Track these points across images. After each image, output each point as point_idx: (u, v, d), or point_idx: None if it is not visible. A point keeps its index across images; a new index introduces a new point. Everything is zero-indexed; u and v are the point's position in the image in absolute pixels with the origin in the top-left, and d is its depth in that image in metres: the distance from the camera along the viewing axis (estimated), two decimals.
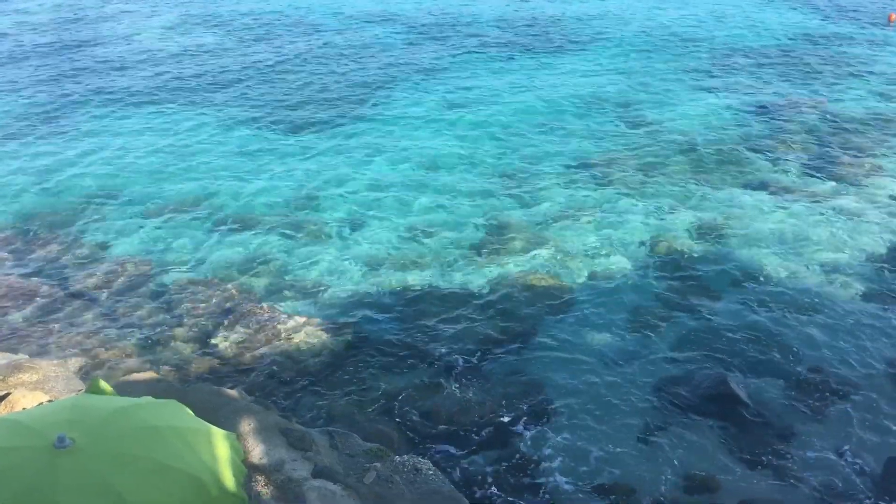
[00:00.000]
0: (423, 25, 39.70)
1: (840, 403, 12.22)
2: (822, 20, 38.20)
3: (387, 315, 15.10)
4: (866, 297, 15.07)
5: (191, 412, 6.46)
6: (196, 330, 14.70)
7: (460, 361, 13.60)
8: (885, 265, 16.16)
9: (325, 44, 36.63)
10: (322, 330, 14.54)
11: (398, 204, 19.96)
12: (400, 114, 26.72)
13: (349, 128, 25.54)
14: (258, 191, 20.91)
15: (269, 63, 33.46)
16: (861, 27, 36.67)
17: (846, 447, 11.32)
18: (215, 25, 40.72)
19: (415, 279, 16.38)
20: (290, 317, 14.95)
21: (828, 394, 12.43)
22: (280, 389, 12.94)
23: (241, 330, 14.48)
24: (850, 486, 10.71)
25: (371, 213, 19.53)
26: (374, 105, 27.73)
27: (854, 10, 39.84)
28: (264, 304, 15.46)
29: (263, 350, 13.96)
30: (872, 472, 10.85)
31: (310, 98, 28.60)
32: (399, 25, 40.06)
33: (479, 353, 13.83)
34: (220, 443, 6.12)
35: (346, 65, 33.07)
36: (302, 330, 14.50)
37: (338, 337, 14.31)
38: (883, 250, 16.70)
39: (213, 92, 29.69)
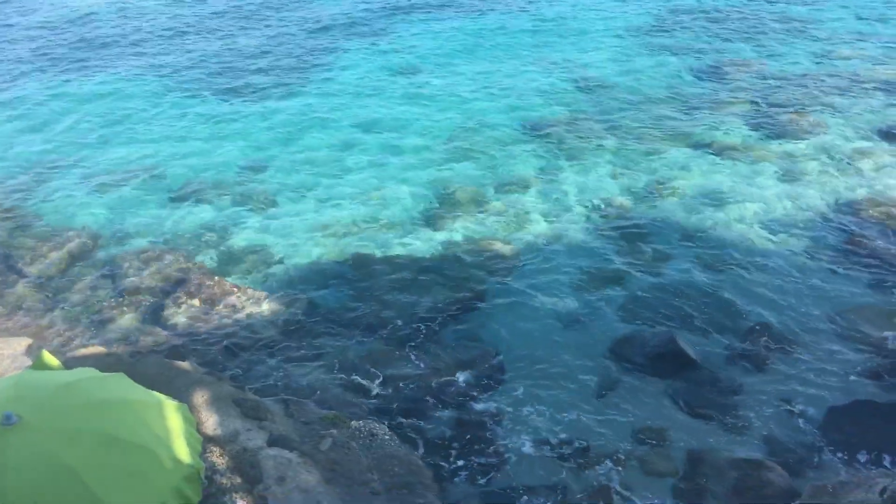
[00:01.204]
0: None
1: (784, 357, 12.59)
2: None
3: (339, 283, 15.05)
4: (807, 252, 15.46)
5: (139, 385, 6.38)
6: (145, 303, 14.49)
7: (413, 327, 13.65)
8: (826, 222, 16.57)
9: (264, 4, 35.84)
10: (274, 300, 14.44)
11: (346, 171, 19.80)
12: (344, 78, 26.40)
13: (294, 93, 25.17)
14: (203, 159, 20.55)
15: (207, 25, 32.68)
16: None
17: (790, 398, 11.68)
18: None
19: (366, 247, 16.32)
20: (241, 288, 14.82)
21: (772, 348, 12.78)
22: (233, 360, 12.85)
23: (192, 302, 14.29)
24: (795, 434, 11.07)
25: (320, 180, 19.35)
26: (318, 69, 27.32)
27: None
28: (215, 276, 15.28)
29: (215, 322, 13.83)
30: (815, 421, 11.22)
31: (252, 62, 28.09)
32: None
33: (431, 319, 13.88)
34: (171, 414, 6.08)
35: (288, 27, 32.47)
36: (254, 300, 14.39)
37: (290, 306, 14.23)
38: (823, 207, 17.10)
39: (146, 56, 28.96)
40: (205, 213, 17.89)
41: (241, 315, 14.02)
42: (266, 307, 14.23)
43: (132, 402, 6.02)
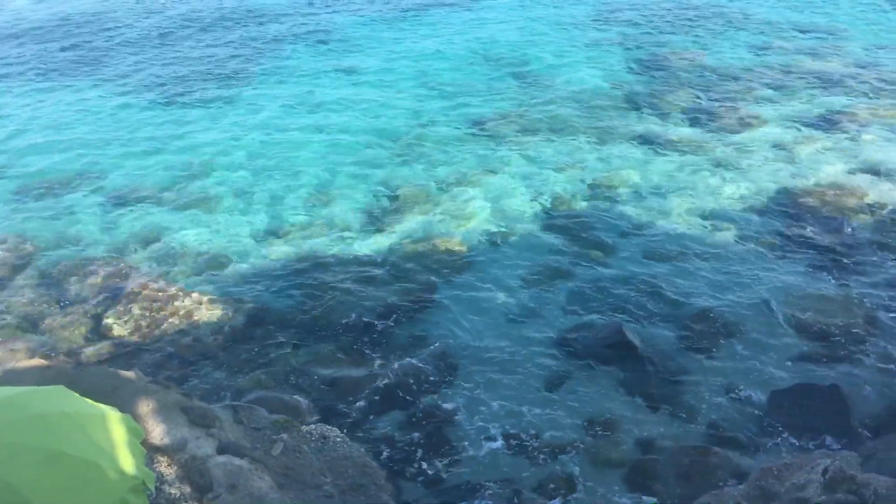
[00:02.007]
0: None
1: (727, 343, 12.87)
2: None
3: (286, 285, 14.90)
4: (747, 241, 15.82)
5: (81, 397, 6.23)
6: (87, 312, 14.14)
7: (364, 328, 13.59)
8: (764, 210, 16.99)
9: (205, 9, 35.32)
10: (221, 304, 14.23)
11: (290, 172, 19.65)
12: (287, 79, 26.18)
13: (236, 95, 24.89)
14: (146, 165, 20.19)
15: (152, 35, 32.08)
16: None
17: (734, 383, 11.94)
18: None
19: (313, 247, 16.21)
20: (186, 293, 14.55)
21: (716, 334, 13.06)
22: (180, 368, 12.63)
23: (136, 309, 14.00)
24: (740, 419, 11.32)
25: (263, 181, 19.18)
26: (262, 70, 27.06)
27: None
28: (159, 282, 14.99)
29: (160, 329, 13.57)
30: (758, 404, 11.49)
31: (198, 69, 27.66)
32: None
33: (382, 319, 13.84)
34: (115, 425, 5.95)
35: (230, 30, 32.10)
36: (200, 306, 14.15)
37: (237, 311, 14.04)
38: (761, 196, 17.52)
39: (85, 63, 28.34)
40: (148, 218, 17.54)
41: (187, 321, 13.78)
42: (213, 312, 14.01)
43: (74, 415, 5.87)
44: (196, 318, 13.87)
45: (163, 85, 25.95)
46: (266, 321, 13.82)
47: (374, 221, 17.23)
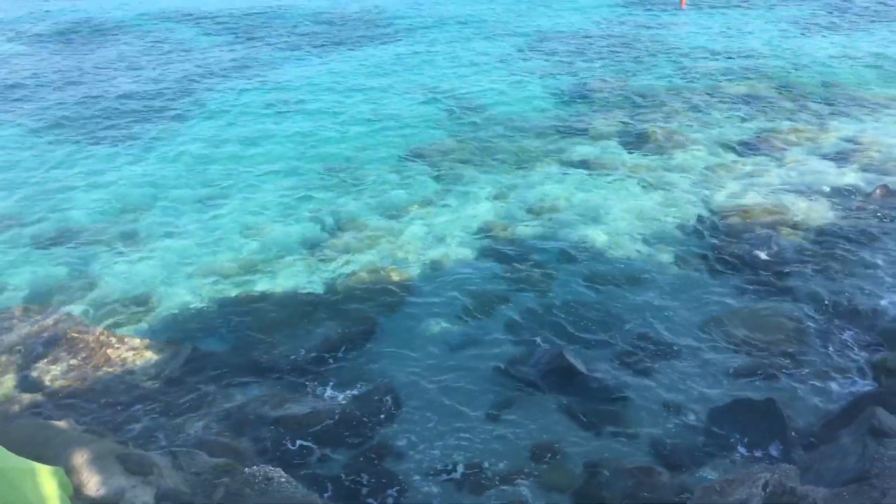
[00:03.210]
0: (233, 25, 38.67)
1: (666, 363, 13.08)
2: (624, 6, 40.57)
3: (223, 325, 14.61)
4: (680, 261, 16.20)
5: (9, 452, 5.98)
6: (15, 362, 13.60)
7: (304, 365, 13.40)
8: (695, 231, 17.44)
9: (132, 46, 34.86)
10: (155, 347, 13.86)
11: (222, 208, 19.39)
12: (216, 113, 25.96)
13: (162, 131, 24.54)
14: (72, 205, 19.67)
15: (80, 72, 31.44)
16: (658, 10, 39.27)
17: (675, 402, 12.13)
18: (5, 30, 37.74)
19: (250, 285, 15.96)
20: (119, 337, 14.13)
21: (655, 354, 13.28)
22: (115, 415, 12.22)
23: (66, 357, 13.52)
24: (682, 437, 11.48)
25: (197, 219, 18.86)
26: (189, 105, 26.76)
27: None
28: (90, 327, 14.54)
29: (93, 375, 13.12)
30: (699, 422, 11.69)
31: (115, 103, 27.25)
32: (210, 25, 38.80)
33: (322, 355, 13.67)
34: (45, 479, 5.73)
35: (158, 66, 31.68)
36: (134, 350, 13.75)
37: (173, 352, 13.68)
38: (692, 217, 17.99)
39: (13, 103, 27.53)
40: (75, 261, 17.05)
41: (120, 366, 13.37)
42: (147, 356, 13.63)
43: (3, 471, 5.64)
44: (130, 362, 13.48)
45: (87, 123, 25.40)
46: (203, 361, 13.51)
47: (311, 255, 17.09)
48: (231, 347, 13.97)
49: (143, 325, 14.75)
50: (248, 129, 24.60)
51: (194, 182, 20.89)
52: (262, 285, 15.95)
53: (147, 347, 13.88)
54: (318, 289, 15.79)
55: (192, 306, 15.35)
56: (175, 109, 26.51)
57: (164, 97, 27.77)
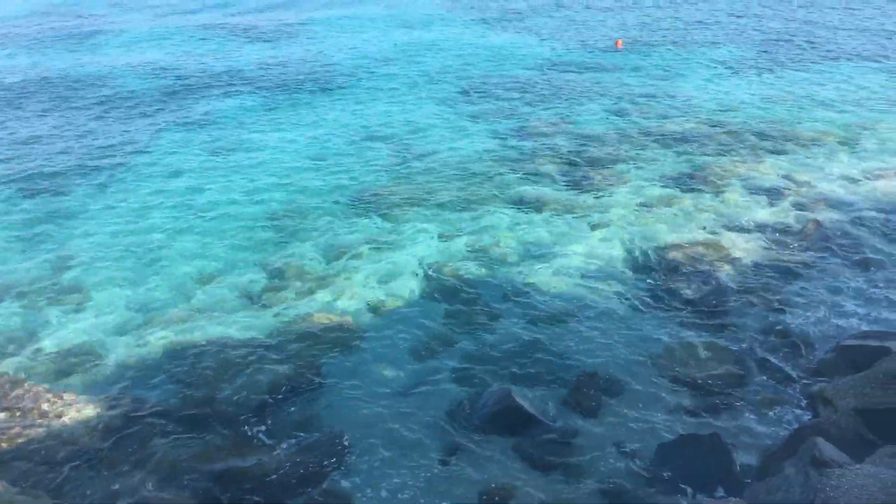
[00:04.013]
0: (174, 74, 38.45)
1: (612, 400, 13.21)
2: (562, 49, 41.53)
3: (165, 377, 14.27)
4: (623, 299, 16.45)
5: None
6: None
7: (250, 415, 13.14)
8: (636, 267, 17.76)
9: (71, 99, 34.32)
10: (94, 402, 13.46)
11: (163, 257, 19.05)
12: (159, 164, 25.59)
13: (104, 182, 24.08)
14: (5, 258, 19.08)
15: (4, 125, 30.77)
16: (595, 52, 40.31)
17: (622, 440, 12.24)
18: None
19: (191, 333, 15.65)
20: (56, 393, 13.69)
21: (601, 393, 13.39)
22: (51, 474, 11.78)
23: (0, 415, 13.03)
24: (629, 473, 11.58)
25: (137, 270, 18.47)
26: (130, 157, 26.35)
27: (587, 39, 43.71)
28: (26, 384, 14.04)
29: (29, 433, 12.66)
30: (646, 458, 11.80)
31: (55, 154, 26.64)
32: (150, 74, 38.51)
33: (268, 404, 13.45)
34: None
35: (97, 118, 31.19)
36: (72, 406, 13.34)
37: (112, 407, 13.31)
38: (633, 254, 18.32)
39: None
40: (10, 315, 16.51)
41: (58, 423, 12.93)
42: (86, 412, 13.21)
43: None
44: (67, 418, 13.04)
45: (25, 175, 24.79)
46: (144, 416, 13.15)
47: (255, 302, 16.87)
48: (172, 398, 13.63)
49: (81, 379, 14.31)
50: (189, 178, 24.30)
51: (133, 232, 20.49)
52: (203, 334, 15.65)
53: (85, 402, 13.48)
54: (262, 335, 15.56)
55: (131, 358, 14.97)
56: (115, 160, 26.08)
57: (103, 148, 27.30)
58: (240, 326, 15.90)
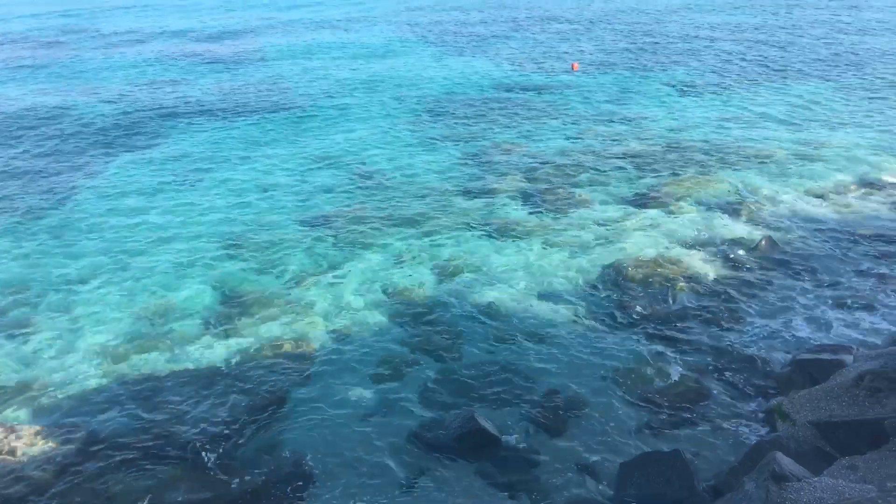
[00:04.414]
0: (122, 95, 38.09)
1: (575, 420, 13.26)
2: (518, 72, 41.99)
3: (121, 407, 13.97)
4: (585, 317, 16.56)
5: None
6: None
7: (209, 445, 12.92)
8: (595, 286, 17.90)
9: (17, 121, 33.75)
10: (49, 435, 13.12)
11: (119, 285, 18.72)
12: (110, 189, 25.27)
13: (57, 208, 23.66)
14: None
15: None
16: (551, 74, 40.83)
17: (585, 459, 12.27)
18: None
19: (148, 363, 15.38)
20: (6, 428, 13.31)
21: (564, 413, 13.44)
22: None
23: None
24: (592, 492, 11.59)
25: (90, 298, 18.13)
26: (79, 181, 25.99)
27: (543, 62, 44.27)
28: None
29: None
30: (609, 476, 11.82)
31: (8, 176, 26.12)
32: (99, 95, 38.07)
33: (228, 433, 13.23)
34: None
35: (42, 140, 30.69)
36: (23, 439, 12.98)
37: (68, 440, 12.99)
38: (594, 273, 18.48)
39: None
40: None
41: (8, 457, 12.57)
42: (38, 443, 12.88)
43: None
44: (19, 451, 12.71)
45: None
46: (99, 449, 12.84)
47: (212, 329, 16.63)
48: (130, 430, 13.35)
49: (32, 412, 13.96)
50: (143, 205, 24.00)
51: (85, 259, 20.14)
52: (159, 363, 15.39)
53: (37, 434, 13.14)
54: (220, 363, 15.35)
55: (85, 388, 14.64)
56: (68, 189, 25.66)
57: (56, 177, 26.87)
58: (197, 355, 15.66)
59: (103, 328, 16.77)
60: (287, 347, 15.78)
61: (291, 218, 22.51)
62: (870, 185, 23.16)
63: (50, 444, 12.90)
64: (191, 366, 15.31)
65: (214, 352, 15.74)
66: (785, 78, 37.54)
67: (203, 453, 12.71)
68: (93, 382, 14.84)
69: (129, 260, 20.07)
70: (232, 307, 17.52)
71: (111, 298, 18.07)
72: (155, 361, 15.45)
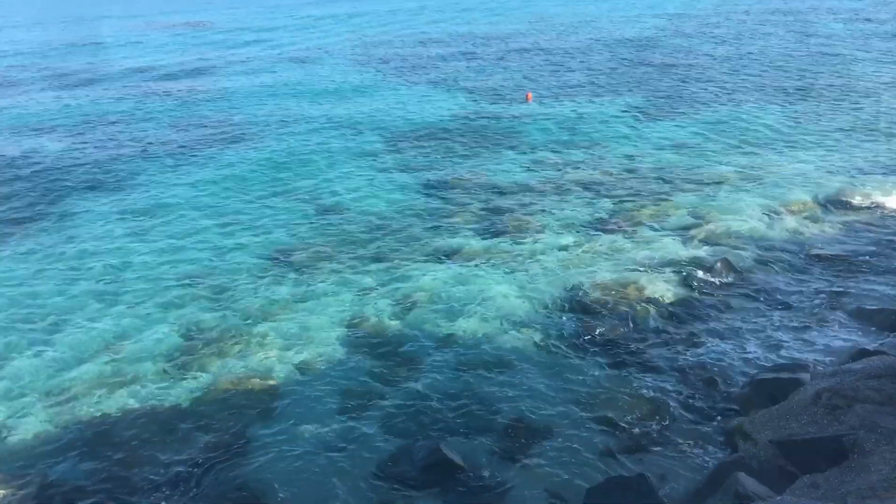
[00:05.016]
0: (83, 133, 37.65)
1: (541, 447, 13.26)
2: (474, 102, 42.39)
3: (80, 451, 13.64)
4: (548, 343, 16.64)
5: None
6: None
7: (172, 485, 12.67)
8: (559, 312, 18.01)
9: None
10: (3, 483, 12.73)
11: (77, 323, 18.37)
12: (70, 228, 24.83)
13: (17, 248, 23.18)
14: None
15: None
16: (505, 104, 41.29)
17: (552, 486, 12.27)
18: None
19: (109, 405, 15.05)
20: None
21: (530, 440, 13.44)
22: None
23: None
24: None
25: (46, 338, 17.76)
26: (41, 221, 25.50)
27: (499, 92, 44.77)
28: None
29: None
30: (574, 502, 11.80)
31: None
32: (59, 135, 37.57)
33: (192, 472, 13.00)
34: None
35: (9, 182, 30.19)
36: None
37: (21, 487, 12.63)
38: (555, 299, 18.59)
39: None
40: None
41: None
42: None
43: None
44: None
45: None
46: (56, 494, 12.53)
47: (171, 367, 16.37)
48: (86, 474, 13.04)
49: None
50: (99, 241, 23.64)
51: (40, 299, 19.73)
52: (118, 404, 15.07)
53: None
54: (182, 402, 15.09)
55: (41, 431, 14.29)
56: (23, 226, 25.20)
57: (10, 214, 26.40)
58: (156, 394, 15.37)
59: (60, 370, 16.41)
60: (249, 384, 15.58)
61: (252, 253, 22.33)
62: (820, 205, 23.72)
63: (4, 490, 12.52)
64: (151, 406, 15.02)
65: (175, 391, 15.47)
66: (736, 102, 38.43)
67: (164, 497, 12.43)
68: (49, 426, 14.48)
69: (86, 301, 19.70)
70: (193, 344, 17.28)
71: (69, 340, 17.69)
72: (114, 403, 15.13)
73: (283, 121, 39.57)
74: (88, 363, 16.64)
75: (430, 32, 74.38)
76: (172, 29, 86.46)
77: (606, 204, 24.94)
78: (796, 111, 35.95)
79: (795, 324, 16.89)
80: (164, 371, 16.26)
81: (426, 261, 21.20)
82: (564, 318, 17.74)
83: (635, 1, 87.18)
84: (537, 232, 22.80)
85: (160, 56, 66.93)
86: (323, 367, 16.24)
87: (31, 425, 14.53)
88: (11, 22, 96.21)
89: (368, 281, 20.10)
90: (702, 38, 60.31)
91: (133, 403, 15.09)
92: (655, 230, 22.41)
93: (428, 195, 26.79)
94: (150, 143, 35.72)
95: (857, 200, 23.78)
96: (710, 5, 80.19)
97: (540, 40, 64.30)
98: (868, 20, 61.18)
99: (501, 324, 17.61)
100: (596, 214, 24.08)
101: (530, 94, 42.99)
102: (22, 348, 17.37)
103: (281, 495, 12.42)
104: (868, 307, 17.12)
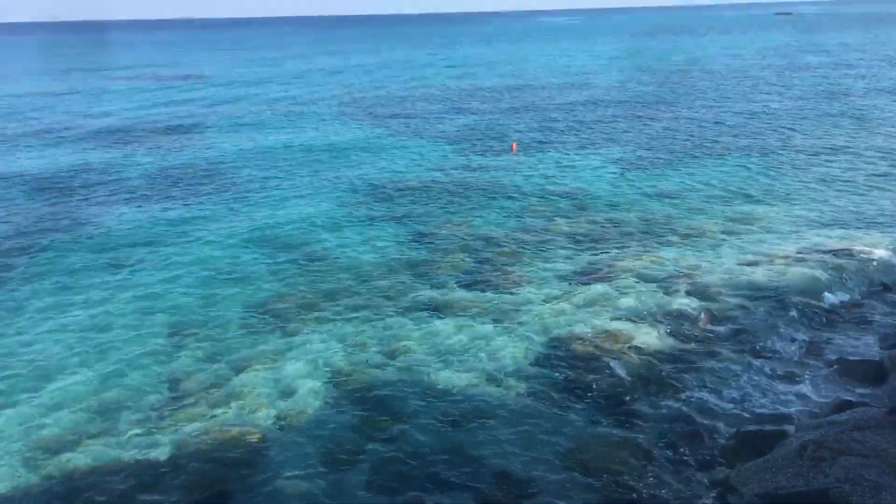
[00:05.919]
0: (62, 180, 37.69)
1: (527, 500, 13.09)
2: (459, 152, 42.85)
3: None
4: (533, 394, 16.55)
5: None
6: None
7: None
8: (542, 363, 17.96)
9: None
10: None
11: (53, 376, 18.10)
12: (53, 277, 24.66)
13: (2, 294, 23.04)
14: None
15: None
16: (491, 155, 41.74)
17: None
18: None
19: (84, 459, 14.75)
20: None
21: (516, 494, 13.27)
22: None
23: None
24: None
25: (21, 388, 17.46)
26: (21, 265, 25.32)
27: (484, 142, 45.31)
28: None
29: None
30: None
31: None
32: (36, 181, 37.56)
33: None
34: None
35: None
36: None
37: None
38: (540, 349, 18.57)
39: None
40: None
41: None
42: None
43: None
44: None
45: None
46: None
47: (151, 420, 16.10)
48: None
49: None
50: (78, 292, 23.44)
51: (15, 351, 19.47)
52: (95, 457, 14.78)
53: None
54: (162, 455, 14.83)
55: (12, 489, 13.96)
56: (2, 277, 25.02)
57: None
58: (134, 447, 15.10)
59: (39, 422, 16.11)
60: (231, 436, 15.35)
61: (235, 303, 22.22)
62: (801, 256, 23.96)
63: None
64: (132, 459, 14.75)
65: (153, 443, 15.20)
66: (717, 154, 39.07)
67: None
68: (25, 479, 14.17)
69: (65, 353, 19.43)
70: (172, 395, 17.06)
71: (48, 391, 17.41)
72: (93, 456, 14.84)
73: (266, 169, 39.87)
74: (68, 413, 16.36)
75: (416, 85, 75.45)
76: (161, 81, 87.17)
77: (591, 254, 25.11)
78: (774, 163, 36.57)
79: (779, 373, 16.95)
80: (146, 423, 16.00)
81: (412, 311, 21.17)
82: (549, 368, 17.69)
83: (618, 53, 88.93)
84: (522, 282, 22.87)
85: (146, 107, 67.35)
86: (307, 419, 16.05)
87: (8, 476, 14.22)
88: None
89: (353, 331, 20.02)
90: (682, 89, 61.46)
91: (113, 455, 14.81)
92: (639, 280, 22.52)
93: (413, 244, 26.88)
94: (134, 196, 35.72)
95: (837, 250, 24.05)
96: (688, 59, 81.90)
97: (525, 93, 65.31)
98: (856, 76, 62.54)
99: (486, 375, 17.53)
100: (581, 264, 24.22)
101: (515, 145, 43.51)
102: (1, 398, 17.07)
103: None
104: (850, 358, 17.22)
